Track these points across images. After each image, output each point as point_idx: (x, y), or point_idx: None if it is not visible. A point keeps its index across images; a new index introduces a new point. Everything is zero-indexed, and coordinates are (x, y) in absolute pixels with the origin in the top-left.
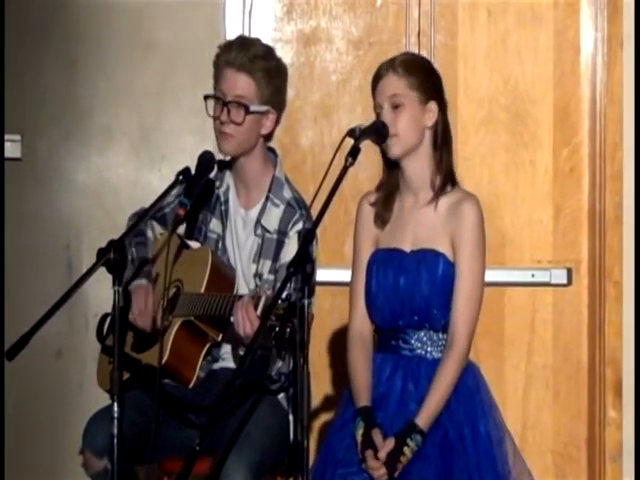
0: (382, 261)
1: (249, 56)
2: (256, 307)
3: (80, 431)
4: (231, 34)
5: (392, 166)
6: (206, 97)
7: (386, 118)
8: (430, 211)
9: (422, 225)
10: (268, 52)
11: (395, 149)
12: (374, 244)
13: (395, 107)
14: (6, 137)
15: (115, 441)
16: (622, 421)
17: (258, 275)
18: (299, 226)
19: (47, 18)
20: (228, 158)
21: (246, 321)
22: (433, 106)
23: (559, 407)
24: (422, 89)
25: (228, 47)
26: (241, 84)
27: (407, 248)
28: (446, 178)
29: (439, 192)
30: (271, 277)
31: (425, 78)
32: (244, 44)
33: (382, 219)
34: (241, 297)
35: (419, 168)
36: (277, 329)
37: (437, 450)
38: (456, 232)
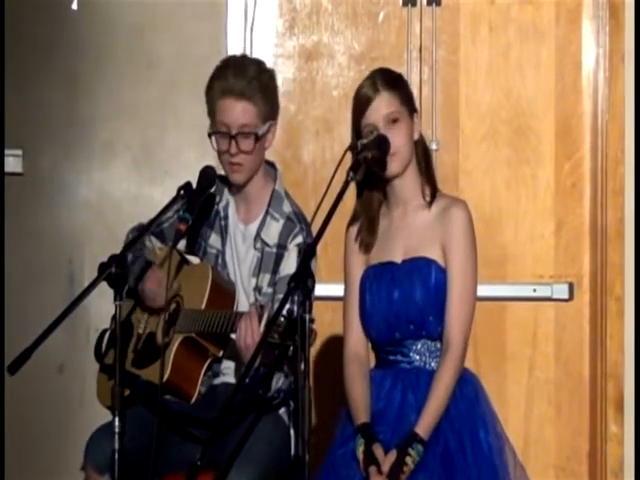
0: (375, 276)
1: (247, 80)
2: (259, 322)
3: (82, 446)
4: (233, 49)
5: (365, 189)
6: (210, 134)
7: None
8: (420, 219)
9: (413, 234)
10: (260, 68)
11: (396, 166)
12: (365, 262)
13: (393, 123)
14: (8, 152)
15: (116, 456)
16: (624, 436)
17: (257, 289)
18: (299, 239)
19: (49, 33)
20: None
21: (248, 331)
22: (416, 118)
23: (561, 422)
24: (409, 103)
25: (222, 74)
26: (244, 113)
27: (398, 259)
28: (434, 186)
29: (432, 200)
30: (270, 290)
31: (408, 92)
32: (238, 68)
33: (367, 245)
34: (242, 314)
35: (408, 180)
36: (280, 347)
37: (439, 461)
38: (446, 237)
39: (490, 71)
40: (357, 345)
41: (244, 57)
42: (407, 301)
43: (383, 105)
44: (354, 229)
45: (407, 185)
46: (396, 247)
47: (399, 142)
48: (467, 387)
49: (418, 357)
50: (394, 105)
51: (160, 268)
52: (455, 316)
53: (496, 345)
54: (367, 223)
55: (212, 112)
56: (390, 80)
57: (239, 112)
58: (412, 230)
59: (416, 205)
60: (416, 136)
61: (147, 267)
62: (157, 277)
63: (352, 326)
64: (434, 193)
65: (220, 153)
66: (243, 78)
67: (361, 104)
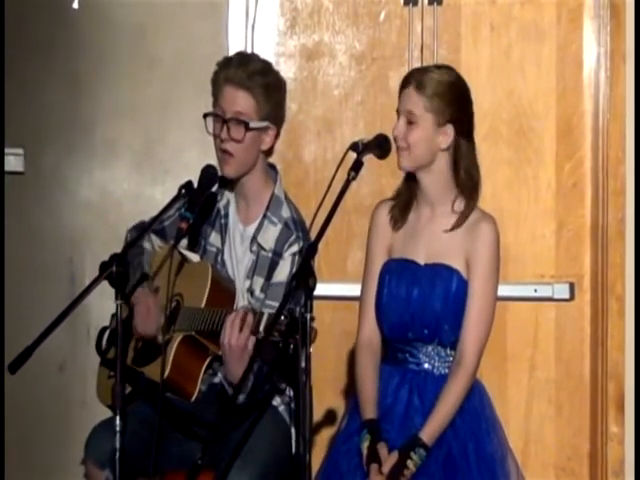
0: (395, 271)
1: (248, 72)
2: (258, 324)
3: (83, 444)
4: (234, 48)
5: (411, 176)
6: (205, 115)
7: (399, 128)
8: (446, 227)
9: (437, 240)
10: (266, 67)
11: (403, 161)
12: (387, 252)
13: (409, 123)
14: (9, 151)
15: (117, 455)
16: (624, 436)
17: (250, 291)
18: (294, 248)
19: (50, 32)
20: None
21: (234, 332)
22: (449, 130)
23: (561, 422)
24: (440, 112)
25: (226, 64)
26: (240, 101)
27: (421, 260)
28: (470, 202)
29: (462, 217)
30: (262, 295)
31: (447, 102)
32: (242, 60)
33: (397, 222)
34: (228, 312)
35: (434, 184)
36: (280, 345)
37: (441, 466)
38: (472, 251)
39: (491, 71)
40: (371, 333)
41: (253, 54)
42: (425, 305)
43: (408, 101)
44: (385, 206)
45: (432, 188)
46: (419, 247)
47: (411, 139)
48: (474, 396)
49: (427, 360)
50: (417, 107)
51: (151, 283)
52: (472, 330)
53: (497, 345)
54: (402, 203)
55: (215, 99)
56: (432, 83)
57: (236, 99)
58: (437, 235)
59: (443, 211)
60: (443, 146)
61: (141, 281)
62: (145, 307)
63: (368, 313)
64: (467, 210)
65: (213, 137)
66: (245, 70)
67: (401, 83)
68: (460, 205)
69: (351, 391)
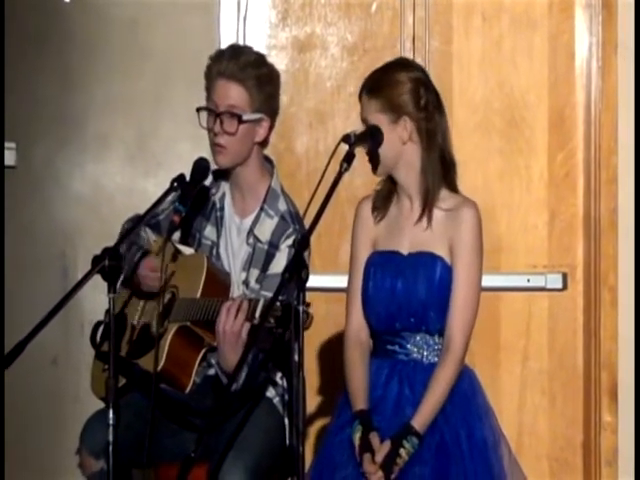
0: (380, 264)
1: (240, 65)
2: (254, 310)
3: (77, 438)
4: (226, 41)
5: None
6: (198, 109)
7: None
8: (422, 223)
9: (420, 228)
10: (259, 59)
11: (373, 170)
12: (372, 245)
13: None
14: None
15: (110, 448)
16: (617, 425)
17: (245, 283)
18: (291, 240)
19: (42, 26)
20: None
21: (230, 318)
22: (405, 122)
23: (555, 412)
24: (389, 110)
25: (219, 57)
26: (233, 94)
27: (404, 251)
28: (434, 187)
29: (426, 203)
30: (257, 286)
31: (392, 97)
32: (234, 53)
33: (378, 211)
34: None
35: (408, 178)
36: (276, 332)
37: (433, 454)
38: (454, 237)
39: (483, 62)
40: (359, 328)
41: (246, 46)
42: (410, 294)
43: (362, 109)
44: (368, 201)
45: (406, 182)
46: (403, 238)
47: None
48: (463, 382)
49: (416, 349)
50: (369, 113)
51: (156, 258)
52: (458, 318)
53: (490, 335)
54: (383, 195)
55: (208, 93)
56: (371, 85)
57: (228, 92)
58: (419, 224)
59: (420, 203)
60: (405, 138)
61: (143, 256)
62: (152, 263)
63: (354, 308)
64: (430, 195)
65: (207, 131)
66: (236, 63)
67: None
68: (426, 192)
69: (343, 383)
